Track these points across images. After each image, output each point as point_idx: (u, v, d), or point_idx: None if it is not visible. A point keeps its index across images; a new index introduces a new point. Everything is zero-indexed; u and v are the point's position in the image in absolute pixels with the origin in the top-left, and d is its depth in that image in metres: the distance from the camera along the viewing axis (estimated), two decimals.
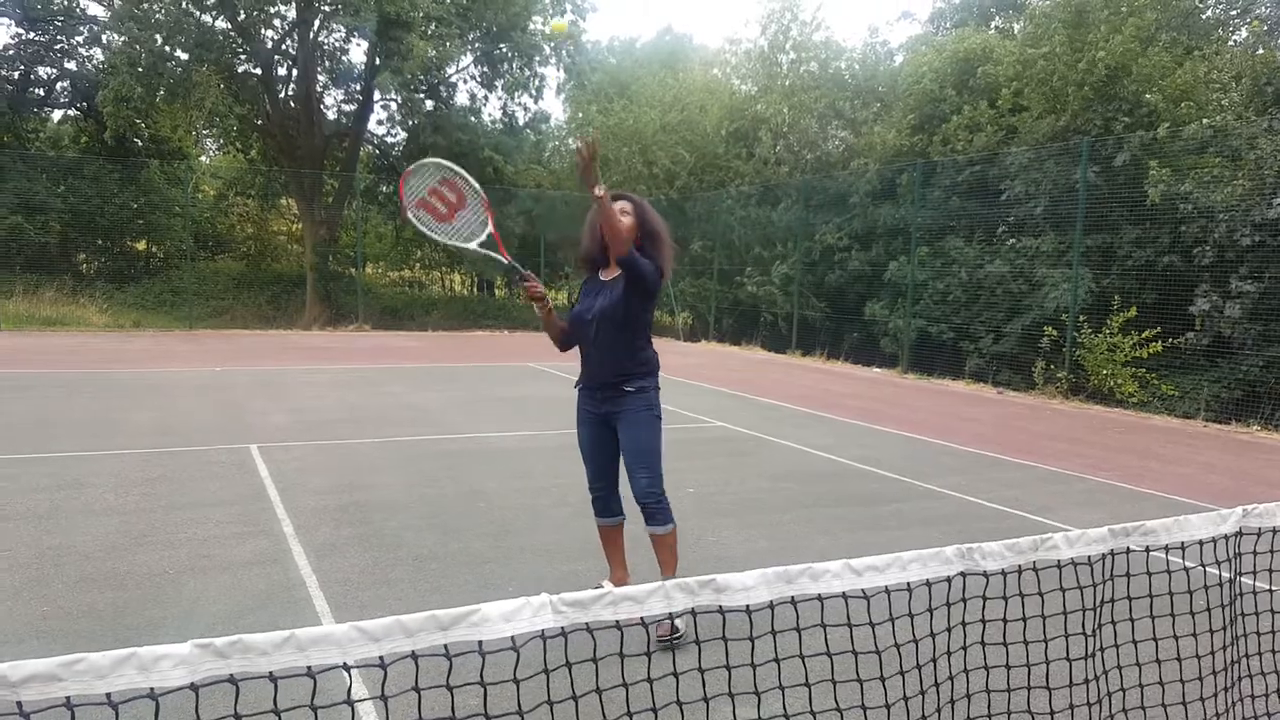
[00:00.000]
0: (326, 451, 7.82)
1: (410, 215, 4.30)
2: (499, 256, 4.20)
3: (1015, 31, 21.10)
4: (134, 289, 23.72)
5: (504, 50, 24.82)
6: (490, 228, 4.25)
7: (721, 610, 1.79)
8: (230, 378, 12.41)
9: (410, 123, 25.55)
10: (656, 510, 4.05)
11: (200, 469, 6.97)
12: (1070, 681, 2.42)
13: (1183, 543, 2.46)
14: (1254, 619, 2.84)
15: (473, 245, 4.25)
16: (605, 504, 4.28)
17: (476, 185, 4.38)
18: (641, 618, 1.74)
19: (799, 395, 12.74)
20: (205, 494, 6.23)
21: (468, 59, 25.50)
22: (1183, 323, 12.64)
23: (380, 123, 27.46)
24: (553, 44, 25.02)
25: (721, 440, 9.00)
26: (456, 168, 4.40)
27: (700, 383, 13.69)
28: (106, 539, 5.15)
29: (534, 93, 26.08)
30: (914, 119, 18.92)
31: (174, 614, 4.10)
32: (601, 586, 4.09)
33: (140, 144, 26.01)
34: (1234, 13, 17.38)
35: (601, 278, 4.14)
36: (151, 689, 1.23)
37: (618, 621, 1.70)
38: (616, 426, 4.11)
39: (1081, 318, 13.54)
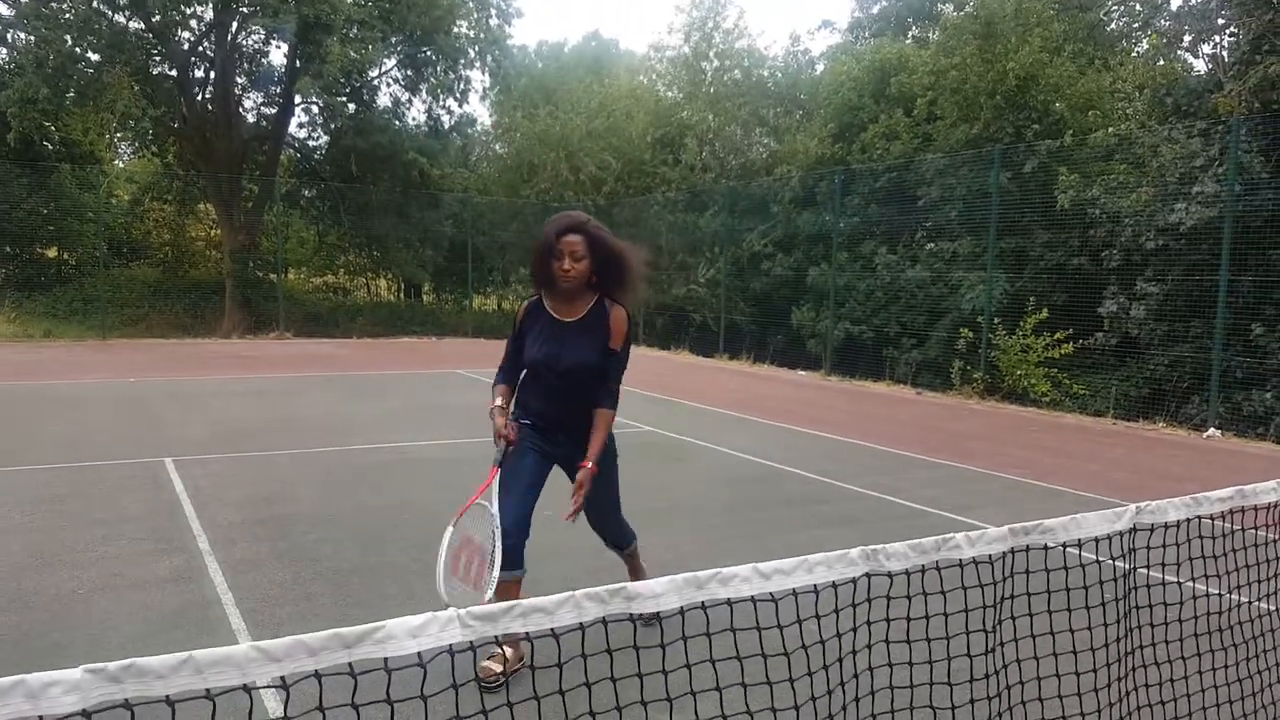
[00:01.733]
0: (244, 464, 7.66)
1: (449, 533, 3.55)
2: (487, 505, 3.60)
3: (930, 41, 21.66)
4: (44, 297, 22.86)
5: (428, 53, 24.57)
6: (491, 580, 3.38)
7: (632, 618, 1.82)
8: (145, 389, 12.06)
9: (332, 126, 25.15)
10: (630, 540, 4.21)
11: (112, 484, 6.77)
12: (971, 677, 2.51)
13: (1080, 540, 2.56)
14: (1148, 611, 2.97)
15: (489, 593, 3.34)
16: (517, 553, 3.56)
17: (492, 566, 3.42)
18: (552, 629, 1.75)
19: (726, 399, 12.87)
20: (117, 510, 6.06)
21: (391, 62, 25.17)
22: (1092, 323, 13.11)
23: (301, 126, 26.97)
24: (476, 48, 24.85)
25: (649, 445, 9.05)
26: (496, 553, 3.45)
27: (628, 387, 13.72)
28: (11, 559, 4.97)
29: (459, 96, 25.90)
30: (834, 128, 19.29)
31: (82, 636, 3.98)
32: (493, 664, 3.58)
33: (50, 147, 25.07)
34: (1136, 26, 18.09)
35: (559, 316, 3.75)
36: (40, 718, 1.21)
37: (528, 634, 1.71)
38: (570, 472, 3.76)
39: (996, 320, 13.94)
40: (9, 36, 22.79)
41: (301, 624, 4.12)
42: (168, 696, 1.32)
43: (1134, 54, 17.59)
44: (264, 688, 1.39)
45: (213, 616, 4.25)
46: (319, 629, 1.45)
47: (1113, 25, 18.41)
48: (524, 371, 3.86)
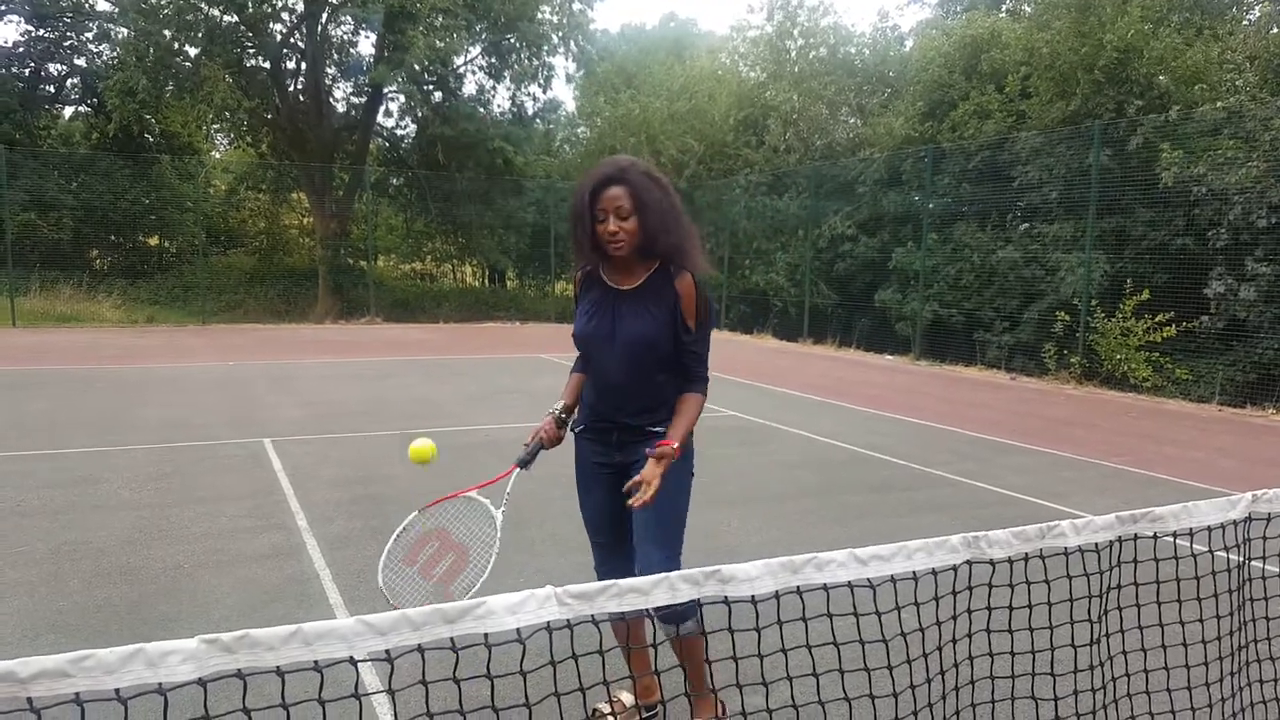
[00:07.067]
0: (339, 444, 7.87)
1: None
2: (509, 478, 3.14)
3: (1024, 14, 20.95)
4: (147, 284, 23.87)
5: (511, 41, 24.79)
6: (497, 516, 3.04)
7: (727, 601, 1.80)
8: (243, 372, 12.48)
9: (419, 115, 25.58)
10: (686, 606, 2.63)
11: (214, 463, 7.02)
12: (1075, 667, 2.43)
13: (1191, 529, 2.45)
14: (1263, 604, 2.84)
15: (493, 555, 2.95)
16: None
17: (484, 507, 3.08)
18: (648, 610, 1.74)
19: (811, 383, 12.73)
20: (219, 488, 6.29)
21: (475, 50, 25.47)
22: (1197, 306, 12.58)
23: (389, 115, 27.52)
24: (560, 34, 24.94)
25: (734, 429, 9.01)
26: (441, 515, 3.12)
27: (711, 371, 13.69)
28: (121, 534, 5.20)
29: (542, 83, 26.08)
30: (923, 106, 18.83)
31: (188, 609, 4.15)
32: (618, 701, 3.21)
33: (151, 140, 26.14)
34: None
35: (614, 284, 3.00)
36: (160, 684, 1.25)
37: (624, 614, 1.71)
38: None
39: (1094, 302, 13.48)
40: (112, 33, 23.79)
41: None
42: (278, 667, 1.35)
43: (1244, 22, 16.73)
44: (368, 660, 1.42)
45: (312, 591, 4.38)
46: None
47: None
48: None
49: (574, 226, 2.93)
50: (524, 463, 3.11)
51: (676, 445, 2.84)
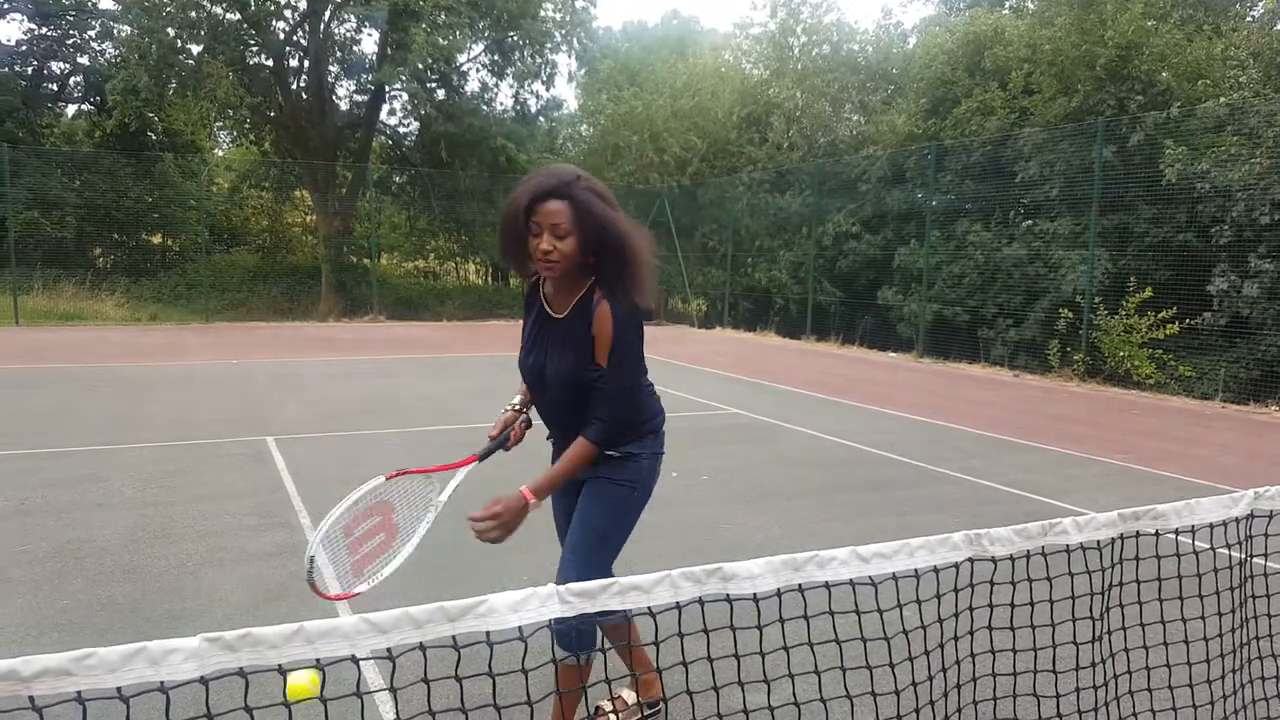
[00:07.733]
0: (343, 442, 7.88)
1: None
2: (461, 469, 2.98)
3: (1028, 11, 20.91)
4: (150, 283, 23.89)
5: (515, 38, 24.78)
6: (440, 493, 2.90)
7: (729, 598, 1.80)
8: (246, 370, 12.50)
9: (421, 112, 25.58)
10: (564, 627, 2.51)
11: (217, 461, 7.03)
12: (1077, 665, 2.43)
13: (1193, 526, 2.45)
14: (1265, 601, 2.84)
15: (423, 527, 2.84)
16: (583, 634, 2.85)
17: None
18: (649, 607, 1.75)
19: (814, 381, 12.72)
20: (223, 486, 6.29)
21: (478, 48, 25.49)
22: (1200, 303, 12.56)
23: (392, 113, 27.53)
24: (563, 31, 24.92)
25: (736, 427, 9.01)
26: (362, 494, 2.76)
27: (714, 369, 13.70)
28: (125, 532, 5.21)
29: (545, 80, 26.08)
30: (926, 103, 18.81)
31: (191, 607, 4.15)
32: (620, 699, 3.20)
33: (154, 138, 26.17)
34: None
35: (549, 309, 2.83)
36: (161, 682, 1.25)
37: (628, 613, 1.71)
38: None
39: (1097, 299, 13.46)
40: (115, 30, 23.83)
41: (398, 599, 4.22)
42: (280, 666, 1.35)
43: (1248, 19, 16.70)
44: (370, 658, 1.43)
45: None
46: (416, 604, 1.47)
47: None
48: None
49: (504, 234, 2.69)
50: (482, 456, 3.01)
51: (531, 498, 2.73)
